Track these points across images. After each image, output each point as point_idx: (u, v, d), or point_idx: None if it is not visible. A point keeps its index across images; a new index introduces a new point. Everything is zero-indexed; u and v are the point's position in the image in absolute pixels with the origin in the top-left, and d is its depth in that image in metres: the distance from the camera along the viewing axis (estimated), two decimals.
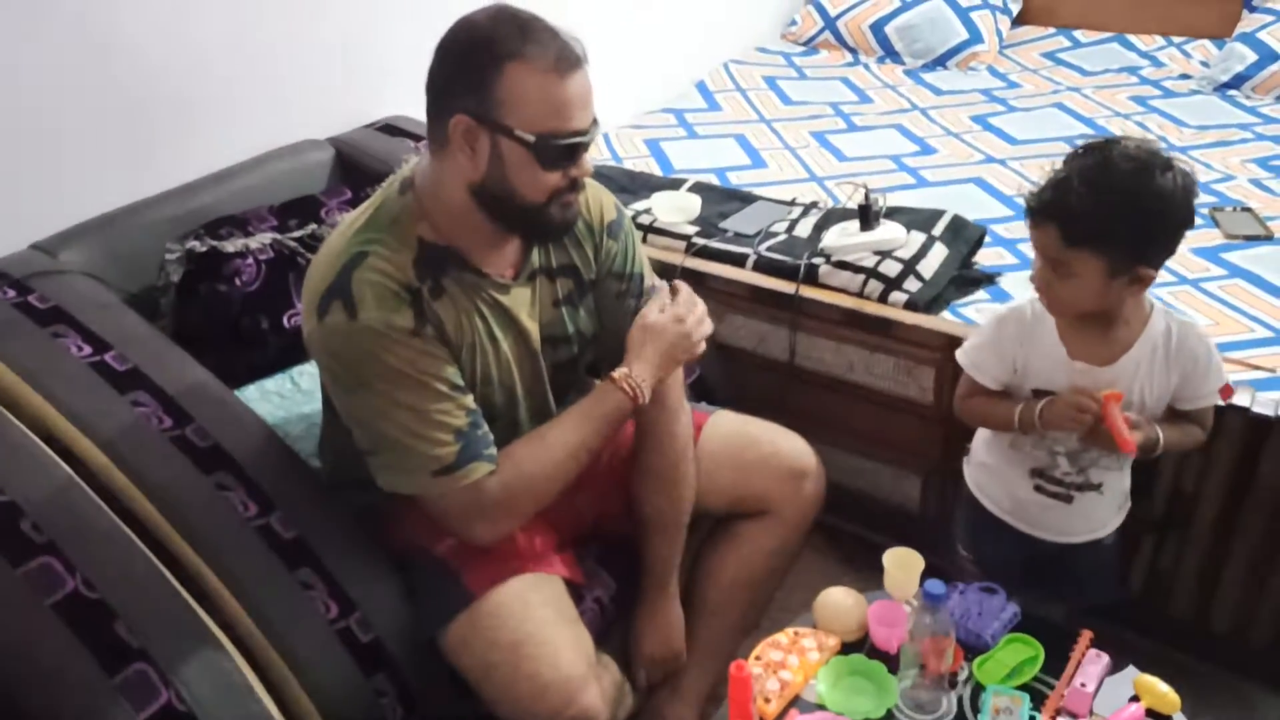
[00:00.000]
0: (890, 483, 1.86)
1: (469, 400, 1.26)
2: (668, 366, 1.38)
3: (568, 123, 1.17)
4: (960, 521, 1.56)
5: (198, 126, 1.80)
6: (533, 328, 1.35)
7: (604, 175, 2.28)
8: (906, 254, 1.82)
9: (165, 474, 1.30)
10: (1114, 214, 1.16)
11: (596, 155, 2.57)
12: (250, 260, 1.59)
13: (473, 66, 1.16)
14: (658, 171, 2.45)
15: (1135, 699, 1.20)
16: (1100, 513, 1.42)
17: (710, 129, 2.77)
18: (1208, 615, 1.61)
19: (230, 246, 1.56)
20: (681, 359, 1.40)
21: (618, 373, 1.34)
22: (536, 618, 1.30)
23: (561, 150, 1.17)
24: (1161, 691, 1.19)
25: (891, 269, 1.78)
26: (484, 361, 1.30)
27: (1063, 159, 1.24)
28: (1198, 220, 2.05)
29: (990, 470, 1.47)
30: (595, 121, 1.21)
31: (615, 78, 2.82)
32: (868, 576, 1.44)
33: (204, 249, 1.54)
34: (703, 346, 1.44)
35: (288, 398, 1.62)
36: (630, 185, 2.23)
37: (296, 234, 1.66)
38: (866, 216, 1.83)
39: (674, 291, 1.43)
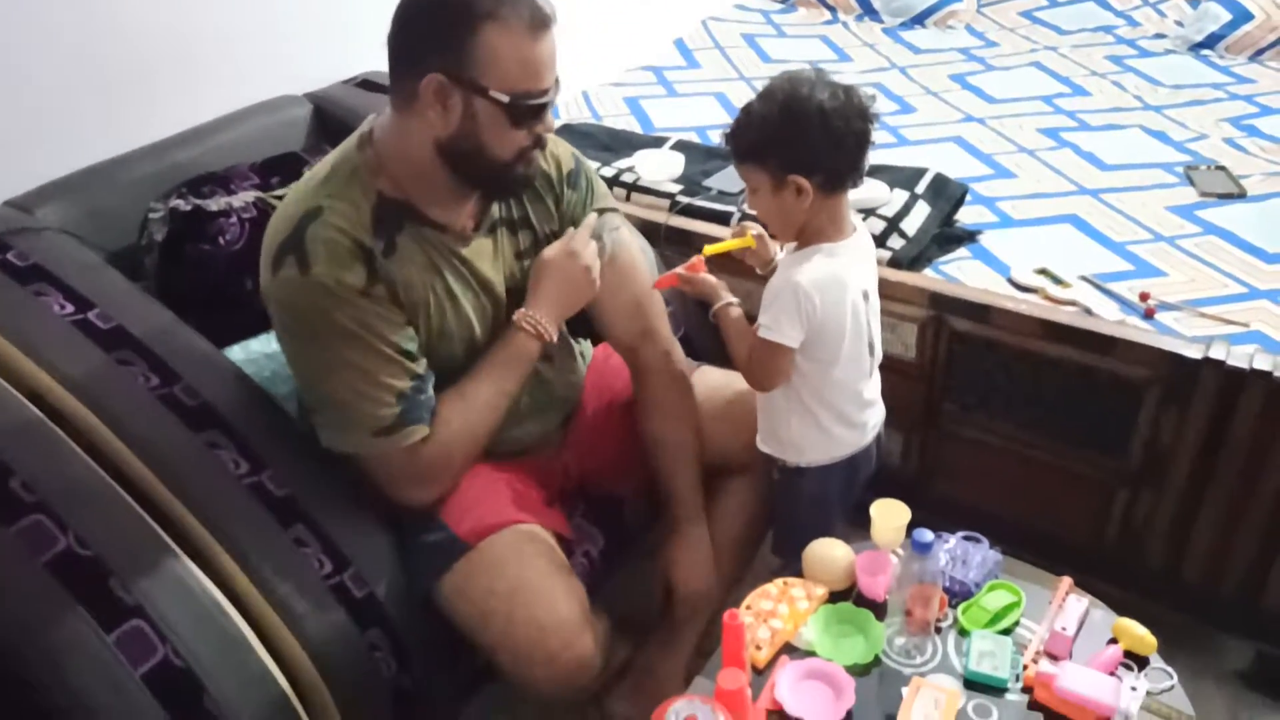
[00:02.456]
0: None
1: (417, 365, 1.28)
2: (568, 302, 1.39)
3: (540, 83, 1.19)
4: None
5: (173, 81, 1.77)
6: (497, 278, 1.36)
7: (586, 134, 2.27)
8: (890, 212, 1.83)
9: (155, 432, 1.30)
10: (755, 129, 1.30)
11: (577, 114, 2.55)
12: (234, 219, 1.57)
13: (447, 25, 1.15)
14: (639, 130, 2.44)
15: (1113, 641, 1.24)
16: (762, 417, 1.49)
17: (690, 87, 2.76)
18: (1179, 565, 1.66)
19: (214, 205, 1.54)
20: (584, 293, 1.40)
21: (518, 314, 1.36)
22: (532, 565, 1.32)
23: (532, 110, 1.20)
24: (1139, 634, 1.23)
25: (875, 227, 1.79)
26: (440, 318, 1.31)
27: None
28: (1173, 178, 2.12)
29: None
30: (558, 80, 1.23)
31: (593, 35, 2.80)
32: (850, 529, 1.47)
33: (188, 208, 1.51)
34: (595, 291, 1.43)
35: (273, 357, 1.60)
36: (612, 143, 2.22)
37: (279, 192, 1.63)
38: None
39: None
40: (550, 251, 1.38)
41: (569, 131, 2.30)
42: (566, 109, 2.59)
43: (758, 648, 1.24)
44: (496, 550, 1.32)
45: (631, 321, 1.50)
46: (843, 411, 1.44)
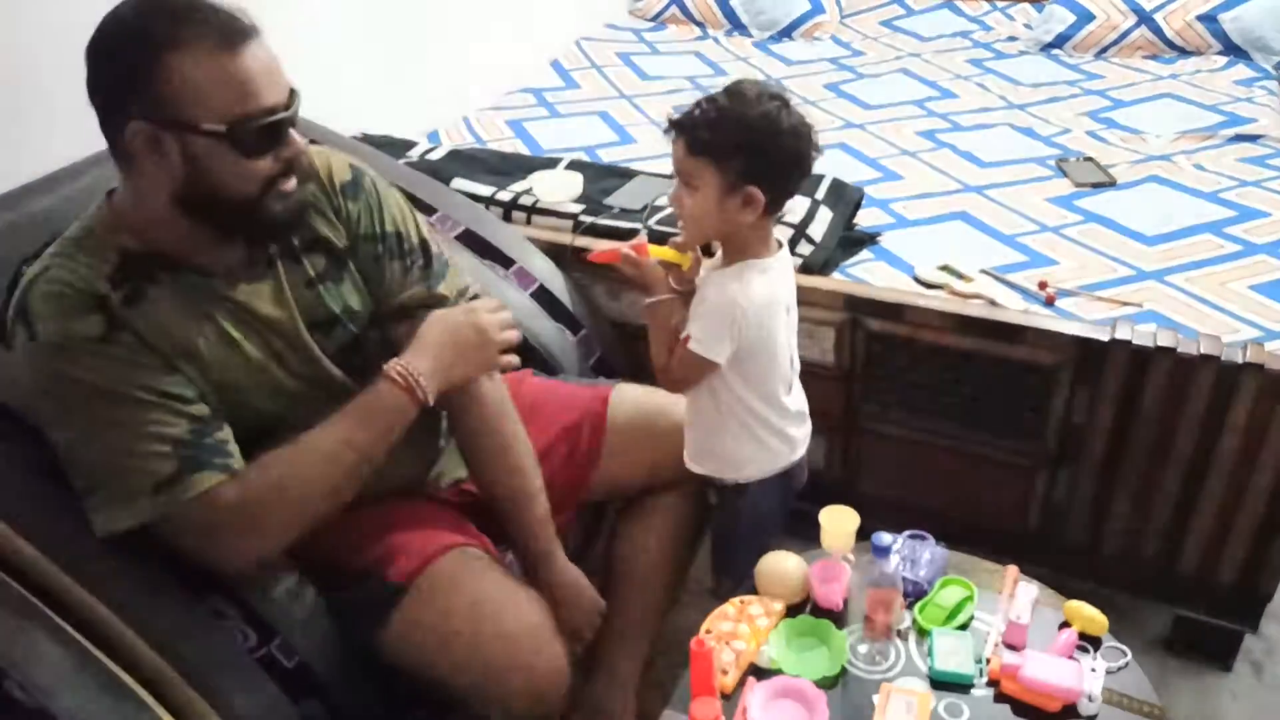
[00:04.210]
0: None
1: (194, 408, 1.12)
2: (459, 366, 1.26)
3: (258, 101, 1.06)
4: None
5: (25, 122, 1.62)
6: (283, 314, 1.22)
7: (474, 158, 2.21)
8: (795, 219, 1.83)
9: (36, 507, 1.16)
10: (726, 127, 1.25)
11: (459, 139, 2.48)
12: None
13: (128, 66, 1.03)
14: (526, 152, 2.39)
15: (1065, 624, 1.26)
16: (691, 437, 1.46)
17: (572, 107, 2.73)
18: (1099, 540, 1.71)
19: None
20: (475, 360, 1.28)
21: (389, 363, 1.21)
22: (487, 578, 1.26)
23: (261, 132, 1.07)
24: (1089, 614, 1.25)
25: (783, 234, 1.79)
26: (222, 368, 1.16)
27: None
28: (1047, 171, 2.22)
29: None
30: (294, 92, 1.11)
31: (468, 59, 2.75)
32: (789, 540, 1.45)
33: None
34: (506, 360, 1.32)
35: None
36: (504, 167, 2.15)
37: None
38: None
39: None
40: (449, 309, 1.29)
41: (455, 157, 2.22)
42: (448, 135, 2.51)
43: (724, 672, 1.20)
44: (444, 573, 1.25)
45: None
46: (773, 424, 1.42)
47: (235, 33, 1.04)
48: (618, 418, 1.56)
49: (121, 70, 1.04)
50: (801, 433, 1.48)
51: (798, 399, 1.47)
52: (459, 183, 2.05)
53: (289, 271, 1.23)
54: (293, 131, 1.11)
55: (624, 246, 1.37)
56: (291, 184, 1.14)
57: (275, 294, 1.22)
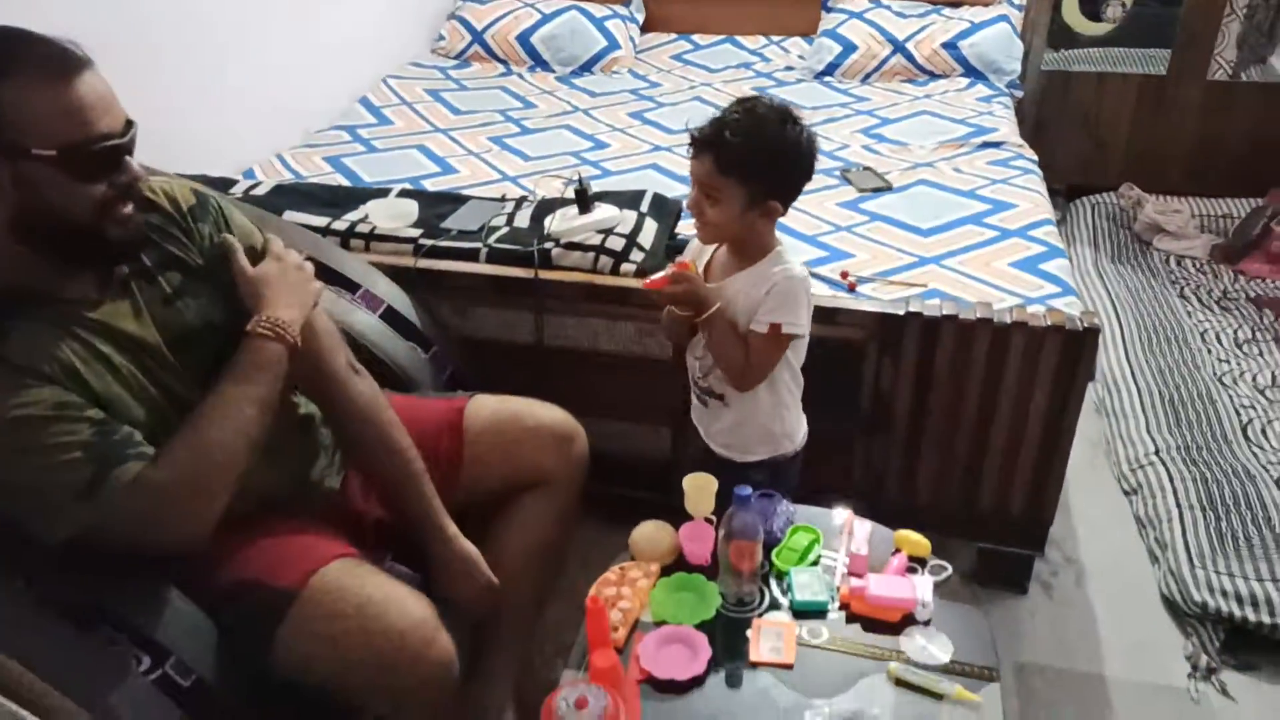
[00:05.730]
0: (645, 438, 2.03)
1: (90, 412, 1.16)
2: (299, 299, 1.33)
3: (91, 129, 1.11)
4: None
5: None
6: (147, 333, 1.26)
7: (305, 193, 2.23)
8: (625, 230, 1.99)
9: None
10: (755, 148, 1.39)
11: (277, 177, 2.48)
12: None
13: None
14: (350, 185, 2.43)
15: (897, 551, 1.46)
16: (744, 433, 1.60)
17: (388, 142, 2.79)
18: (913, 491, 1.96)
19: None
20: (310, 288, 1.36)
21: (251, 322, 1.28)
22: (372, 581, 1.31)
23: (94, 158, 1.12)
24: (915, 539, 1.46)
25: (616, 244, 1.95)
26: (102, 381, 1.19)
27: (724, 108, 1.47)
28: (834, 180, 2.49)
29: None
30: (130, 122, 1.17)
31: (269, 97, 2.73)
32: (614, 527, 1.56)
33: None
34: (319, 286, 1.40)
35: None
36: (334, 198, 2.19)
37: None
38: (584, 201, 1.98)
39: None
40: (254, 269, 1.33)
41: (281, 192, 2.24)
42: (264, 172, 2.51)
43: (614, 629, 1.31)
44: (330, 580, 1.29)
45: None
46: (803, 385, 1.61)
47: (68, 62, 1.10)
48: (474, 425, 1.62)
49: None
50: None
51: None
52: (291, 215, 2.07)
53: (144, 291, 1.27)
54: (129, 159, 1.16)
55: (670, 269, 1.47)
56: (129, 209, 1.19)
57: (135, 313, 1.25)
